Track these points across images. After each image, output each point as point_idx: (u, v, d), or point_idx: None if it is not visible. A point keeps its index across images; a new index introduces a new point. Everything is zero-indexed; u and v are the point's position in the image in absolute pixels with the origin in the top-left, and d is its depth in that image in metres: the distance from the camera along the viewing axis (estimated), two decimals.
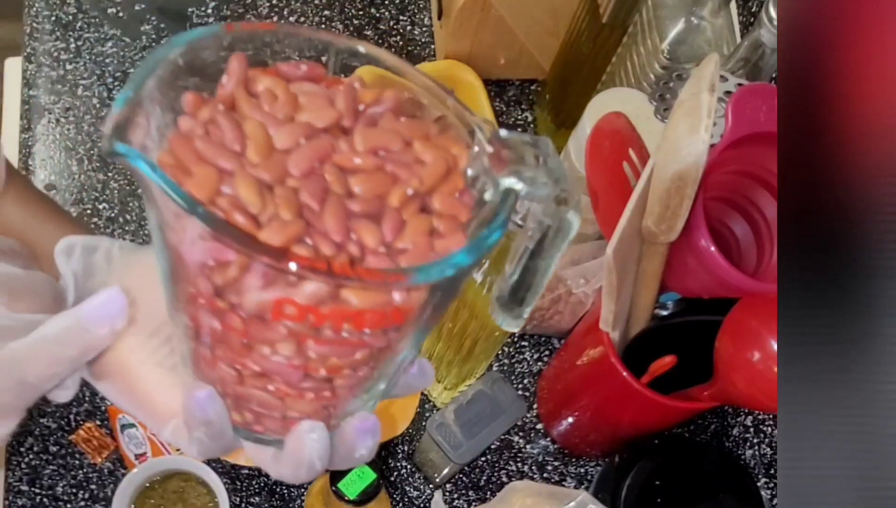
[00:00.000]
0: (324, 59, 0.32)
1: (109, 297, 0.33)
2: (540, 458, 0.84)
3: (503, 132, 0.31)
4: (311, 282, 0.26)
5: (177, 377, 0.35)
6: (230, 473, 0.80)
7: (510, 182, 0.29)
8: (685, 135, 0.56)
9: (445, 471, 0.77)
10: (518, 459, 0.84)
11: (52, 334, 0.33)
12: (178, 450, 0.79)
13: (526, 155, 0.30)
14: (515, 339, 0.88)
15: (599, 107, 0.75)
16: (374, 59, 0.32)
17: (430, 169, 0.29)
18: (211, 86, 0.30)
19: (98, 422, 0.80)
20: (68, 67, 0.96)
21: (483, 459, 0.83)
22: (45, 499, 0.78)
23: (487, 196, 0.30)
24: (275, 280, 0.26)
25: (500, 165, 0.29)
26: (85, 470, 0.79)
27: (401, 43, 1.00)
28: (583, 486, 0.83)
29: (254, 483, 0.80)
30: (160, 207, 0.27)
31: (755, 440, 0.82)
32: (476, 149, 0.30)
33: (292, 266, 0.25)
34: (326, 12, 1.00)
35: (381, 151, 0.29)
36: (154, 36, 0.98)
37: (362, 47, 0.32)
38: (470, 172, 0.30)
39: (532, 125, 0.97)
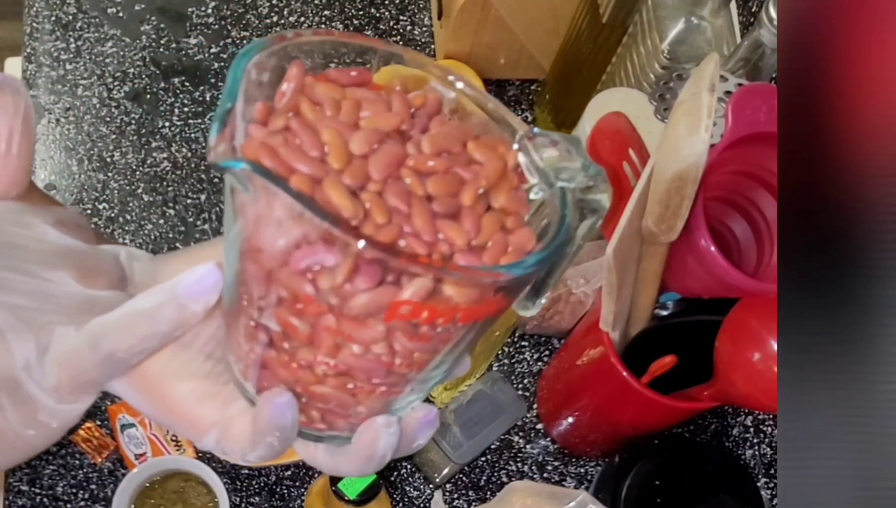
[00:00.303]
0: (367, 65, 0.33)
1: (206, 271, 0.32)
2: (540, 458, 0.84)
3: (535, 130, 0.32)
4: (418, 280, 0.27)
5: (213, 384, 0.35)
6: (230, 473, 0.80)
7: (560, 181, 0.31)
8: (685, 135, 0.56)
9: (445, 471, 0.77)
10: (518, 459, 0.84)
11: (145, 308, 0.32)
12: (178, 450, 0.79)
13: (562, 151, 0.31)
14: (515, 339, 0.88)
15: (599, 107, 0.75)
16: (419, 64, 0.33)
17: (490, 168, 0.31)
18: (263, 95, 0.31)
19: (98, 422, 0.80)
20: (68, 66, 0.96)
21: (483, 459, 0.83)
22: (45, 499, 0.78)
23: (532, 194, 0.31)
24: (380, 281, 0.27)
25: (549, 163, 0.31)
26: (85, 470, 0.79)
27: (401, 43, 1.00)
28: (583, 486, 0.83)
29: (254, 483, 0.80)
30: (258, 215, 0.27)
31: (755, 441, 0.82)
32: (516, 147, 0.32)
33: (407, 264, 0.26)
34: (326, 12, 1.00)
35: (444, 153, 0.31)
36: (154, 36, 0.98)
37: (406, 54, 0.33)
38: (526, 170, 0.32)
39: (532, 125, 0.96)
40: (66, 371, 0.32)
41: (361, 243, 0.26)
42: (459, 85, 0.34)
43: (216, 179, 0.93)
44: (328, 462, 0.35)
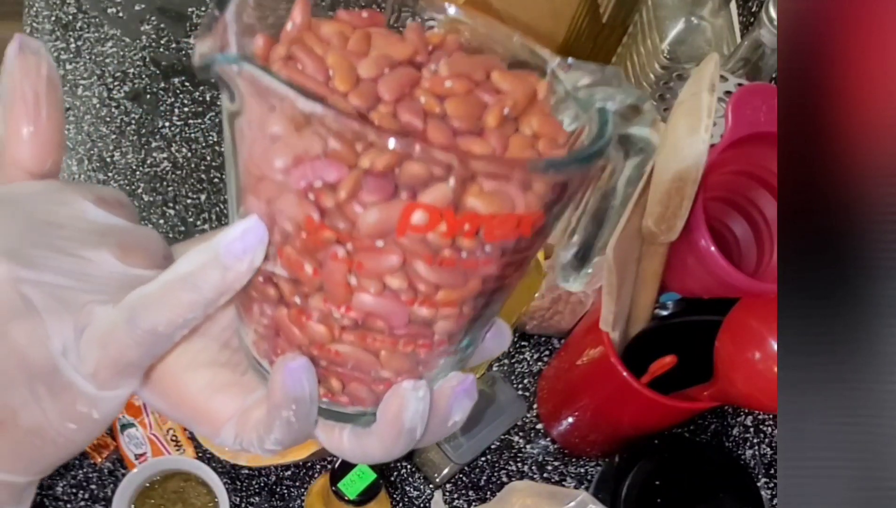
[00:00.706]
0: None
1: (249, 226, 0.28)
2: (540, 458, 0.84)
3: (570, 60, 0.30)
4: (436, 186, 0.25)
5: (231, 374, 0.32)
6: (230, 473, 0.80)
7: (599, 102, 0.28)
8: (685, 135, 0.56)
9: (445, 471, 0.77)
10: (518, 459, 0.84)
11: (185, 271, 0.29)
12: (178, 450, 0.79)
13: (601, 77, 0.29)
14: (515, 339, 0.88)
15: None
16: (437, 7, 0.31)
17: (518, 92, 0.28)
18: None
19: None
20: (68, 66, 0.96)
21: (483, 459, 0.83)
22: (45, 499, 0.78)
23: (567, 125, 0.29)
24: (391, 194, 0.25)
25: (585, 90, 0.29)
26: (85, 470, 0.79)
27: None
28: (583, 486, 0.83)
29: (254, 483, 0.80)
30: (252, 137, 0.25)
31: (755, 441, 0.81)
32: (549, 78, 0.30)
33: (423, 148, 0.24)
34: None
35: (465, 78, 0.28)
36: (154, 36, 0.98)
37: None
38: (552, 100, 0.29)
39: None
40: (104, 352, 0.29)
41: (372, 135, 0.24)
42: (487, 23, 0.31)
43: (216, 179, 0.93)
44: (354, 447, 0.32)
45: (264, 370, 0.32)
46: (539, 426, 0.85)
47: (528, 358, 0.88)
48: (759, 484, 0.76)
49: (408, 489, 0.82)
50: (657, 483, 0.72)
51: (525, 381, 0.87)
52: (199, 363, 0.32)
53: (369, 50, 0.28)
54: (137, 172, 0.92)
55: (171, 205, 0.91)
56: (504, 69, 0.29)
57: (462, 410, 0.31)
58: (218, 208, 0.92)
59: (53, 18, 0.98)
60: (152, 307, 0.29)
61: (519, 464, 0.84)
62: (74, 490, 0.79)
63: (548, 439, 0.85)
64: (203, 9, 1.00)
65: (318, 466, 0.82)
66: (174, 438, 0.80)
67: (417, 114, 0.26)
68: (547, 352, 0.88)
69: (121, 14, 0.99)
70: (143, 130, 0.94)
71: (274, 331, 0.30)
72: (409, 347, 0.29)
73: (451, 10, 0.31)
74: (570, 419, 0.80)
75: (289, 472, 0.81)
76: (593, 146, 0.27)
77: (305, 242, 0.27)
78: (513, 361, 0.88)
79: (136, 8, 0.99)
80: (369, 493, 0.65)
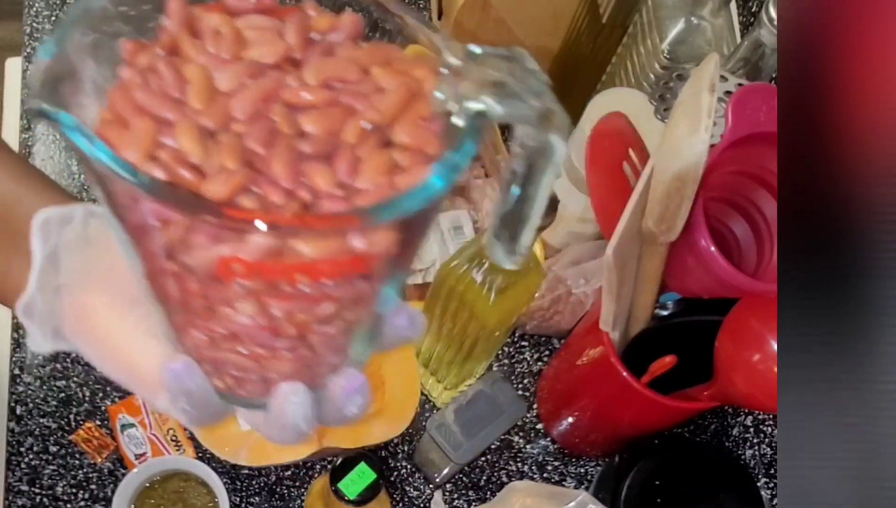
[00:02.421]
0: None
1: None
2: (540, 458, 0.84)
3: (475, 48, 0.28)
4: (257, 235, 0.24)
5: (166, 345, 0.34)
6: (230, 473, 0.80)
7: (478, 104, 0.26)
8: (685, 135, 0.56)
9: (445, 471, 0.77)
10: (518, 459, 0.84)
11: None
12: (178, 450, 0.79)
13: (501, 72, 0.27)
14: (515, 339, 0.88)
15: (599, 107, 0.75)
16: None
17: (389, 98, 0.27)
18: (150, 32, 0.28)
19: (98, 422, 0.80)
20: None
21: (483, 459, 0.83)
22: (45, 499, 0.78)
23: (461, 122, 0.27)
24: (222, 236, 0.25)
25: (472, 86, 0.27)
26: (85, 470, 0.79)
27: None
28: (583, 486, 0.83)
29: (254, 483, 0.80)
30: (93, 167, 0.25)
31: (755, 441, 0.82)
32: (445, 71, 0.28)
33: (232, 222, 0.23)
34: None
35: (336, 82, 0.27)
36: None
37: None
38: (440, 96, 0.27)
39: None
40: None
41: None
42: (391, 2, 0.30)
43: None
44: (263, 430, 0.34)
45: None
46: (539, 426, 0.85)
47: (528, 358, 0.88)
48: (759, 484, 0.76)
49: (408, 489, 0.82)
50: (657, 483, 0.72)
51: (525, 381, 0.87)
52: (140, 332, 0.34)
53: (241, 51, 0.27)
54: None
55: None
56: (389, 64, 0.28)
57: (356, 405, 0.33)
58: None
59: (53, 18, 0.98)
60: None
61: (519, 464, 0.84)
62: (74, 490, 0.79)
63: (548, 439, 0.85)
64: None
65: (318, 466, 0.82)
66: (174, 438, 0.80)
67: (264, 139, 0.25)
68: (547, 352, 0.88)
69: None
70: None
71: (172, 328, 0.32)
72: (290, 358, 0.30)
73: None
74: (570, 419, 0.80)
75: (289, 472, 0.81)
76: (435, 186, 0.25)
77: (161, 270, 0.27)
78: (513, 361, 0.88)
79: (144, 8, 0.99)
80: (369, 493, 0.65)
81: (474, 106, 0.26)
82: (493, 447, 0.84)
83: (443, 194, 0.26)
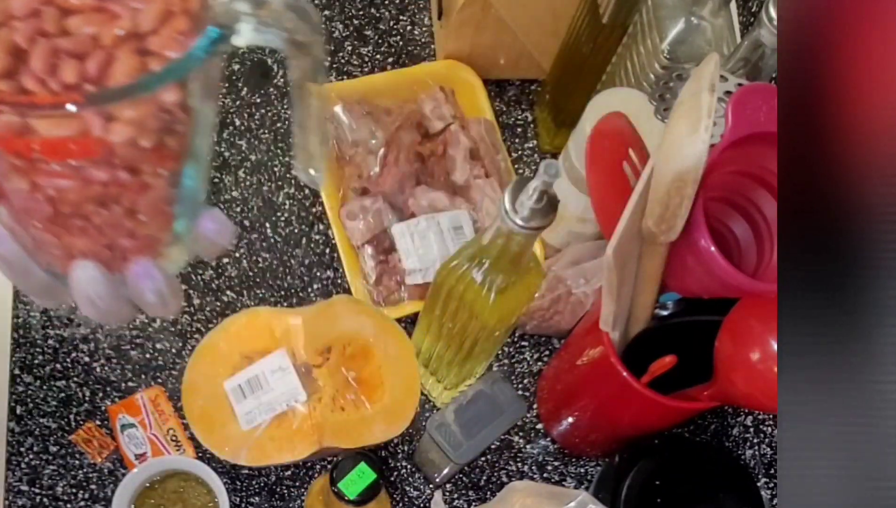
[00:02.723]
0: None
1: None
2: (540, 458, 0.84)
3: None
4: (3, 115, 0.29)
5: None
6: (230, 473, 0.80)
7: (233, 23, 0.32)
8: (685, 135, 0.56)
9: (445, 471, 0.77)
10: (518, 459, 0.84)
11: None
12: (178, 450, 0.79)
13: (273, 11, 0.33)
14: (515, 339, 0.88)
15: (599, 107, 0.75)
16: None
17: (147, 11, 0.31)
18: None
19: (98, 422, 0.80)
20: None
21: (483, 459, 0.83)
22: (45, 499, 0.78)
23: (239, 41, 0.33)
24: None
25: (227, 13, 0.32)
26: (85, 470, 0.79)
27: (401, 43, 1.00)
28: (583, 486, 0.83)
29: (254, 483, 0.80)
30: None
31: (755, 441, 0.82)
32: None
33: None
34: (326, 12, 1.00)
35: None
36: None
37: None
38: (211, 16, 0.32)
39: (532, 125, 0.97)
40: None
41: None
42: None
43: (215, 180, 0.93)
44: (79, 306, 0.39)
45: None
46: (539, 426, 0.85)
47: (528, 358, 0.88)
48: (759, 484, 0.76)
49: (408, 489, 0.82)
50: (657, 483, 0.72)
51: (525, 381, 0.87)
52: None
53: None
54: None
55: None
56: None
57: (150, 290, 0.38)
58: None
59: None
60: None
61: (519, 464, 0.84)
62: (74, 490, 0.79)
63: (548, 439, 0.85)
64: None
65: (318, 466, 0.82)
66: (174, 438, 0.80)
67: (29, 35, 0.30)
68: (547, 352, 0.88)
69: None
70: None
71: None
72: (87, 240, 0.35)
73: None
74: (570, 419, 0.80)
75: (289, 472, 0.81)
76: (167, 69, 0.31)
77: None
78: (513, 361, 0.88)
79: None
80: (369, 493, 0.65)
81: (226, 23, 0.32)
82: (493, 447, 0.84)
83: (159, 86, 0.31)
